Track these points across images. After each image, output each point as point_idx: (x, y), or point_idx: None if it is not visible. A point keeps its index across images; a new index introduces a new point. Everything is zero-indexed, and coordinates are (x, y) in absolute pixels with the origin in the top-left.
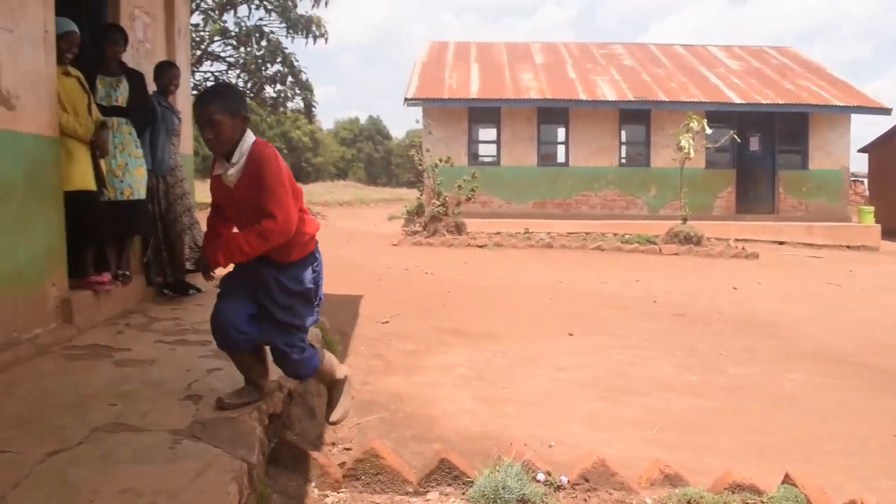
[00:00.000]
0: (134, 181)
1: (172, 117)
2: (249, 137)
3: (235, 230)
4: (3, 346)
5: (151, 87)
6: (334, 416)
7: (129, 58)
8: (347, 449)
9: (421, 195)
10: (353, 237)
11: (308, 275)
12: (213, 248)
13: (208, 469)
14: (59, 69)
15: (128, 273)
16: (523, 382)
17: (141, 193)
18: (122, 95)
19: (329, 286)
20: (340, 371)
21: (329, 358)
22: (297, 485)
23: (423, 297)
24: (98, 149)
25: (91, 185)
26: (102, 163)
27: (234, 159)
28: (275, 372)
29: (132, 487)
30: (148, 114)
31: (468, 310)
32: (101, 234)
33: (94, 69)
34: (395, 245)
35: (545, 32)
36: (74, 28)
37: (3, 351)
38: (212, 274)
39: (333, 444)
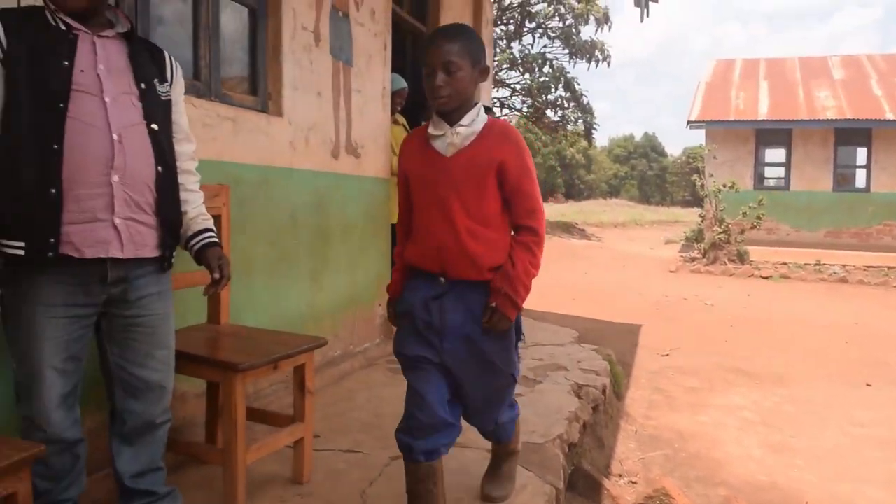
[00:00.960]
0: None
1: None
2: (482, 107)
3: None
4: (342, 357)
5: None
6: (496, 492)
7: None
8: (633, 482)
9: (701, 221)
10: (628, 261)
11: None
12: (500, 298)
13: (524, 489)
14: (390, 118)
15: None
16: (814, 433)
17: None
18: None
19: (608, 313)
20: (518, 440)
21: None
22: None
23: (704, 330)
24: None
25: None
26: None
27: (464, 121)
28: (569, 402)
29: (462, 498)
30: None
31: (752, 347)
32: None
33: (418, 115)
34: (672, 272)
35: (844, 38)
36: (405, 85)
37: (343, 362)
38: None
39: (620, 475)
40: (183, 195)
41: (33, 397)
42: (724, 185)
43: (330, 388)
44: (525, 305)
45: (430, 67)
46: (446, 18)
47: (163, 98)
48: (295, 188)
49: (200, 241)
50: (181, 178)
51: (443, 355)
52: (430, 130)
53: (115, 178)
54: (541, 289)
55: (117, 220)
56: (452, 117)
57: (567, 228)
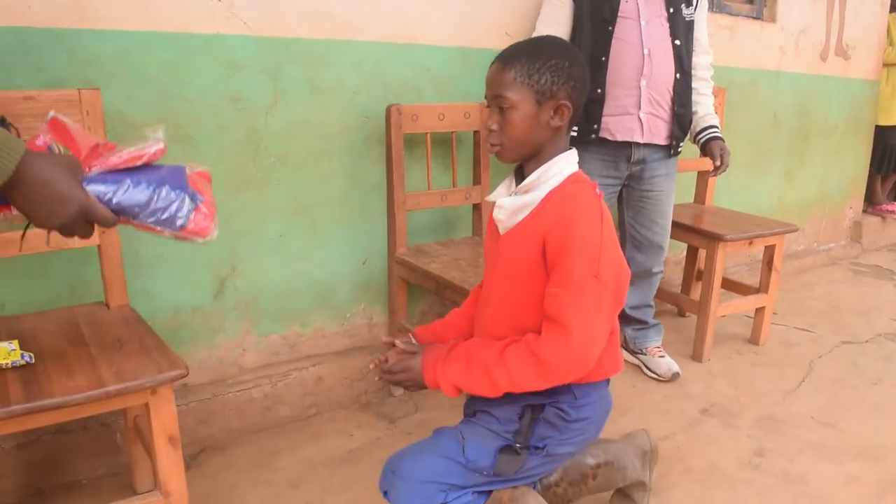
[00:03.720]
0: None
1: None
2: (565, 160)
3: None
4: (805, 252)
5: None
6: None
7: None
8: None
9: None
10: None
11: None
12: (433, 356)
13: None
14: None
15: None
16: None
17: None
18: None
19: None
20: None
21: None
22: None
23: None
24: None
25: None
26: None
27: (525, 182)
28: None
29: None
30: None
31: None
32: None
33: None
34: None
35: None
36: None
37: (805, 256)
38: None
39: None
40: (695, 97)
41: None
42: None
43: (790, 277)
44: None
45: (487, 101)
46: None
47: (686, 19)
48: (780, 90)
49: (706, 135)
50: (695, 84)
51: None
52: (489, 195)
53: (643, 82)
54: None
55: (642, 115)
56: (519, 172)
57: None
